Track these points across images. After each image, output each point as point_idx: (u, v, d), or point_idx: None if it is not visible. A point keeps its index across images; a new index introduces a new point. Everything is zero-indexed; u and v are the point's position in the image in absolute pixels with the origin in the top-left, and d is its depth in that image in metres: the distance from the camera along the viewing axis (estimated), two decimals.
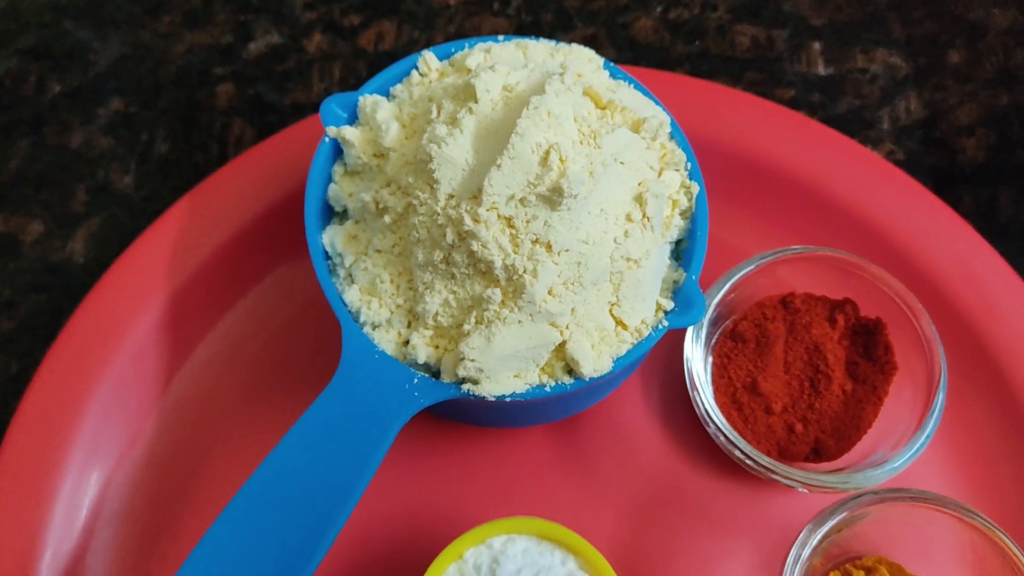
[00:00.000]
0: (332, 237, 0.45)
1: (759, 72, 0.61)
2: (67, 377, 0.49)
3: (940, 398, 0.46)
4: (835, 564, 0.47)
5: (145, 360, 0.50)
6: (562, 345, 0.42)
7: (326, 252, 0.45)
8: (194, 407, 0.50)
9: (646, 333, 0.43)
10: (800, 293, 0.50)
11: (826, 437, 0.48)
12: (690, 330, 0.48)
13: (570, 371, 0.43)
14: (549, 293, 0.41)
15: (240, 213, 0.53)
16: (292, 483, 0.40)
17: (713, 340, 0.51)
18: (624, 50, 0.62)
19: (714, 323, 0.50)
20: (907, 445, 0.45)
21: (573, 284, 0.41)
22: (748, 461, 0.46)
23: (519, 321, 0.41)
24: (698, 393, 0.48)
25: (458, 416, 0.49)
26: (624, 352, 0.43)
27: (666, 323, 0.43)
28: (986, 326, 0.51)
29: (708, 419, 0.47)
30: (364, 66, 0.61)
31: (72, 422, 0.48)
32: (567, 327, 0.42)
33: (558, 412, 0.49)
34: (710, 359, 0.50)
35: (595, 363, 0.42)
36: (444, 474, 0.49)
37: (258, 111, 0.60)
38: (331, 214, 0.47)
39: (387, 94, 0.47)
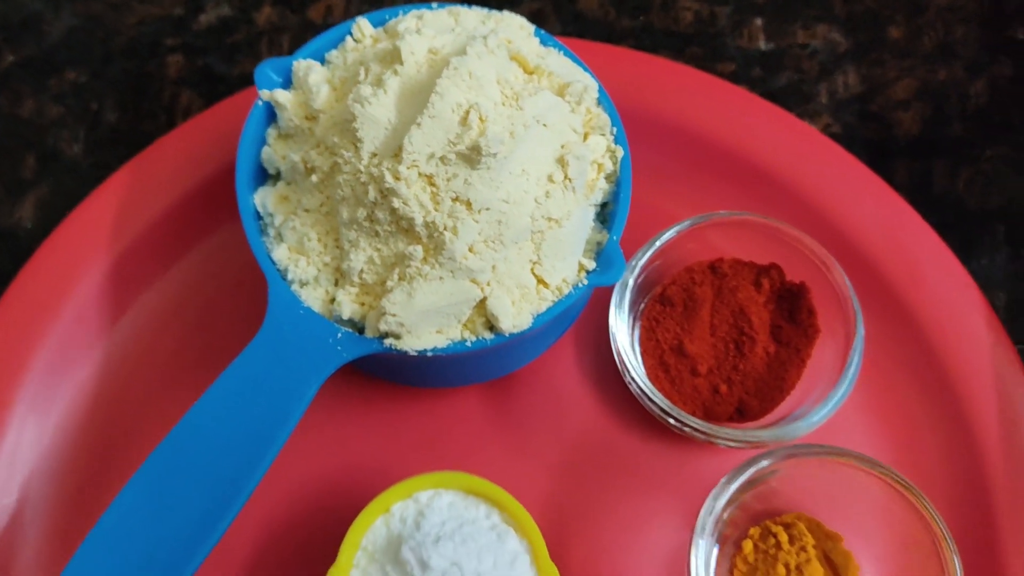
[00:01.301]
0: (263, 198, 0.46)
1: (701, 47, 0.62)
2: (9, 338, 0.50)
3: (856, 355, 0.47)
4: (755, 520, 0.49)
5: (87, 321, 0.51)
6: (483, 301, 0.43)
7: (258, 213, 0.46)
8: (133, 368, 0.51)
9: (567, 291, 0.44)
10: (728, 258, 0.51)
11: (750, 397, 0.49)
12: (614, 296, 0.49)
13: (491, 327, 0.44)
14: (469, 250, 0.42)
15: (183, 178, 0.54)
16: (214, 435, 0.41)
17: (642, 305, 0.52)
18: (569, 24, 0.63)
19: (643, 289, 0.51)
20: (824, 400, 0.46)
21: (494, 242, 0.42)
22: (671, 420, 0.47)
23: (440, 277, 0.42)
24: (622, 358, 0.48)
25: (391, 375, 0.50)
26: (544, 309, 0.44)
27: (586, 281, 0.44)
28: (911, 294, 0.52)
29: (632, 381, 0.48)
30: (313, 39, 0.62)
31: (12, 383, 0.49)
32: (488, 284, 0.43)
33: (488, 371, 0.50)
34: (638, 323, 0.51)
35: (515, 319, 0.43)
36: (376, 432, 0.50)
37: (207, 82, 0.61)
38: (266, 177, 0.48)
39: (323, 60, 0.48)
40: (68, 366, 0.51)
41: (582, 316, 0.53)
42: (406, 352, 0.43)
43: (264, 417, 0.42)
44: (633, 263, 0.49)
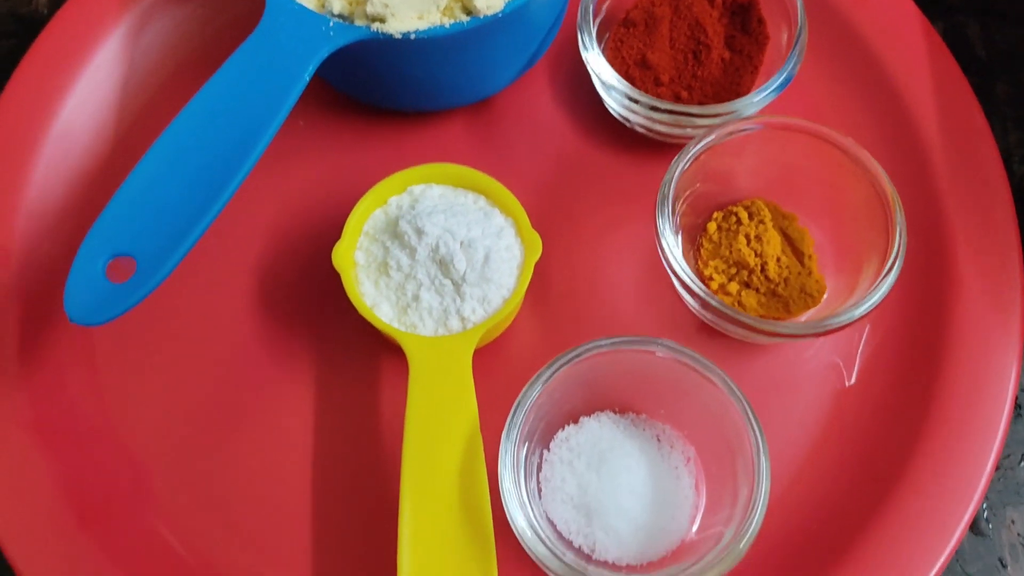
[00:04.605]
0: None
1: None
2: (33, 94, 0.56)
3: (801, 39, 0.52)
4: (718, 203, 0.53)
5: (108, 71, 0.57)
6: None
7: None
8: (147, 104, 0.57)
9: None
10: None
11: (708, 100, 0.54)
12: (579, 22, 0.53)
13: (468, 13, 0.49)
14: None
15: None
16: (225, 108, 0.46)
17: (607, 37, 0.57)
18: None
19: (608, 22, 0.56)
20: (771, 80, 0.51)
21: None
22: (638, 113, 0.52)
23: None
24: (589, 66, 0.53)
25: (376, 93, 0.55)
26: None
27: None
28: (854, 11, 0.57)
29: (601, 83, 0.53)
30: None
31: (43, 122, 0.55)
32: None
33: (468, 86, 0.55)
34: (606, 48, 0.56)
35: (488, 0, 0.48)
36: (367, 155, 0.56)
37: None
38: None
39: None
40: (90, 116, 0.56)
41: (554, 50, 0.58)
42: (391, 36, 0.48)
43: (267, 94, 0.46)
44: None
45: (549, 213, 0.54)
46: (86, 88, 0.56)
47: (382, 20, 0.48)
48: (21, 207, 0.53)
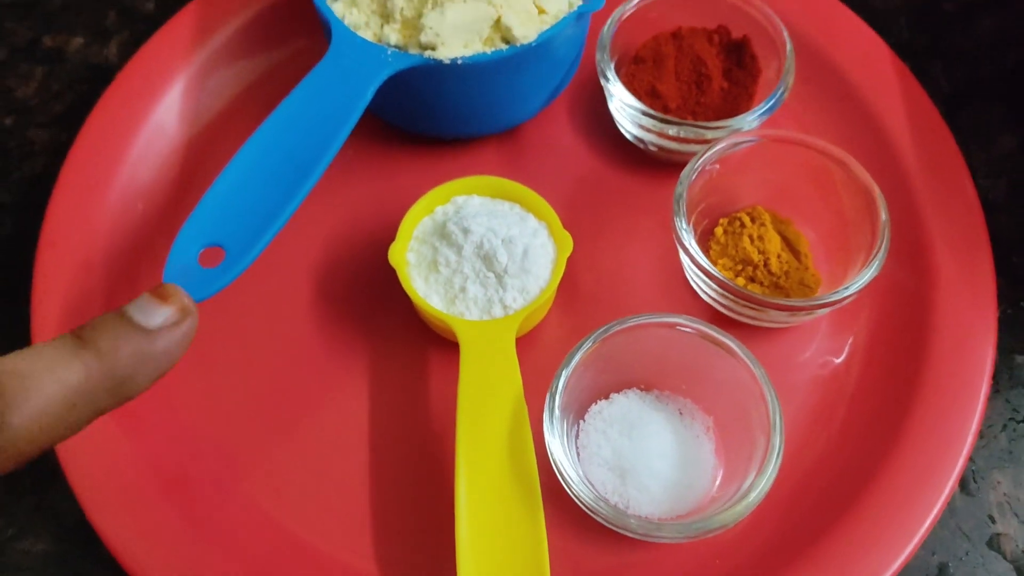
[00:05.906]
0: None
1: None
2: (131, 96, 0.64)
3: (788, 75, 0.60)
4: (724, 213, 0.61)
5: (175, 111, 0.64)
6: (498, 20, 0.56)
7: None
8: (216, 132, 0.64)
9: (562, 16, 0.57)
10: (686, 27, 0.65)
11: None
12: (598, 62, 0.62)
13: (506, 43, 0.57)
14: None
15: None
16: (298, 124, 0.53)
17: (621, 72, 0.65)
18: None
19: (621, 63, 0.64)
20: (763, 103, 0.59)
21: None
22: (651, 131, 0.60)
23: (464, 1, 0.55)
24: (609, 93, 0.61)
25: (420, 119, 0.62)
26: (545, 29, 0.57)
27: (576, 7, 0.58)
28: (831, 51, 0.66)
29: (622, 104, 0.61)
30: None
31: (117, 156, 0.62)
32: (500, 6, 0.56)
33: (500, 113, 0.62)
34: (619, 80, 0.64)
35: (524, 31, 0.56)
36: (409, 179, 0.63)
37: None
38: None
39: None
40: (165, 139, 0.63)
41: (571, 92, 0.66)
42: (440, 61, 0.55)
43: (336, 110, 0.53)
44: (613, 16, 0.62)
45: (574, 224, 0.60)
46: (161, 118, 0.63)
47: (433, 48, 0.55)
48: (98, 228, 0.60)
